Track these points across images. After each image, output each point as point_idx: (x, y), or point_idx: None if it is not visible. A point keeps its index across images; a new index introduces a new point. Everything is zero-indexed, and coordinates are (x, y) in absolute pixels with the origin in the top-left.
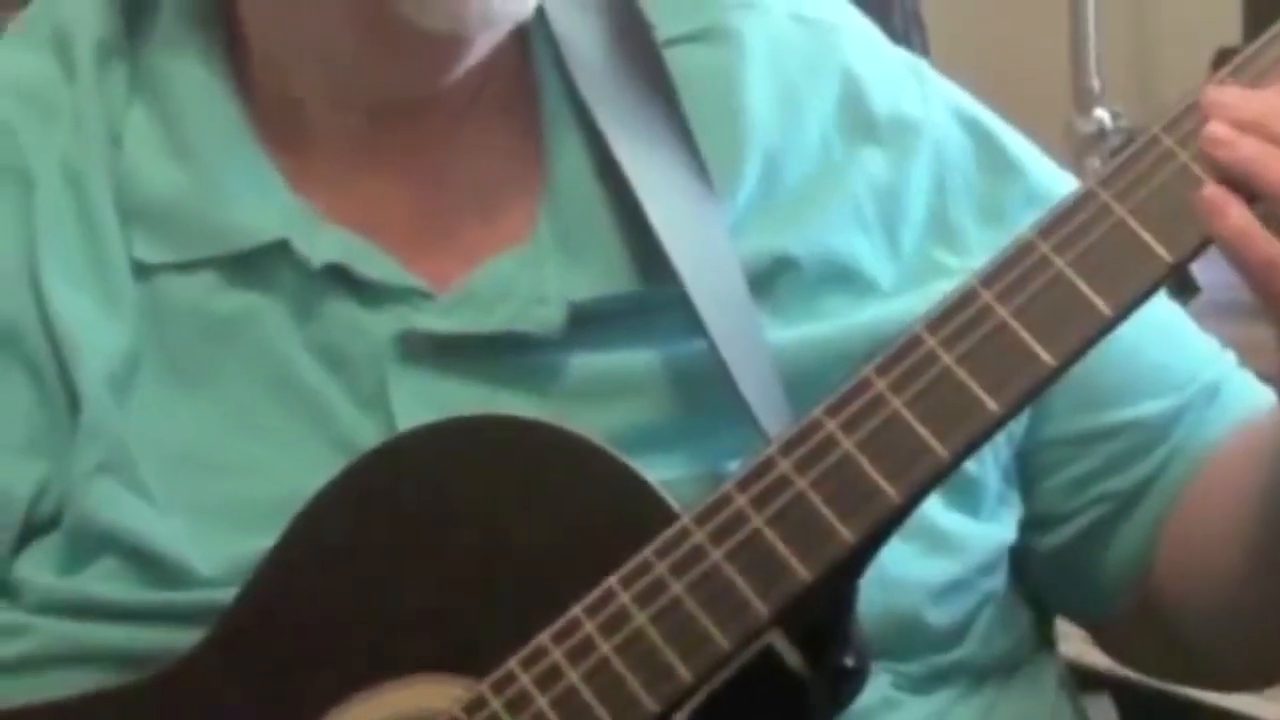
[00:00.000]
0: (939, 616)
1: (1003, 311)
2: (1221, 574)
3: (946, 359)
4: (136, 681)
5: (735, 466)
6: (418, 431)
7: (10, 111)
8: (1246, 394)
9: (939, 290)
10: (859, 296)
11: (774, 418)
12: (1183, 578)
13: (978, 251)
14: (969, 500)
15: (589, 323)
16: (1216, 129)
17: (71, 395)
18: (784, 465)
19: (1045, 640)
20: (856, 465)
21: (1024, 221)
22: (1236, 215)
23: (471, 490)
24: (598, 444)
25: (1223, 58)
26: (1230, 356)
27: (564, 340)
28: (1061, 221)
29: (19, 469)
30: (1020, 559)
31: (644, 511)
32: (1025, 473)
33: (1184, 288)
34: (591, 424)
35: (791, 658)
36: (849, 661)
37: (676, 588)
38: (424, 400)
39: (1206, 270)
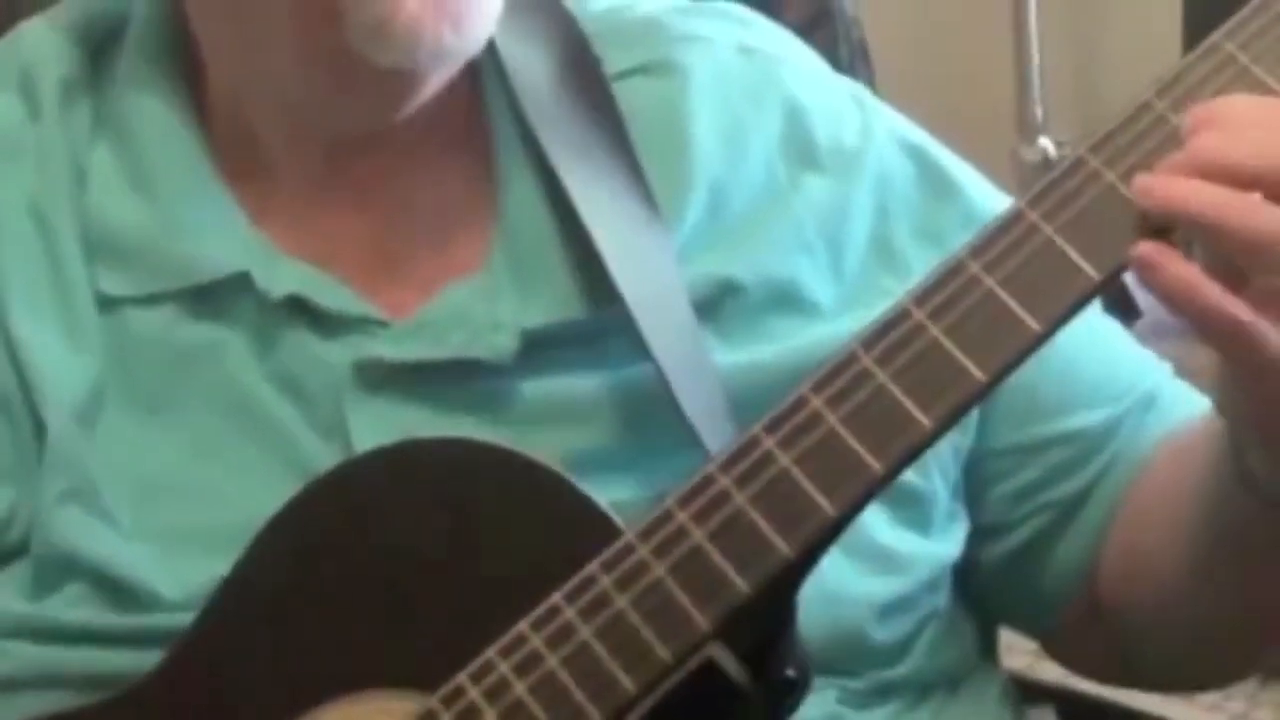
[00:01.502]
0: (884, 633)
1: (934, 330)
2: (1164, 578)
3: (880, 376)
4: (97, 703)
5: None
6: (369, 455)
7: None
8: (1182, 402)
9: (880, 312)
10: (803, 319)
11: (719, 439)
12: (1127, 582)
13: (918, 273)
14: (918, 517)
15: (540, 349)
16: (1145, 180)
17: (37, 425)
18: (724, 481)
19: (988, 654)
20: (793, 481)
21: (962, 243)
22: (1173, 270)
23: (421, 511)
24: (544, 464)
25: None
26: (1166, 367)
27: (516, 366)
28: (992, 241)
29: None
30: (964, 571)
31: (589, 529)
32: (970, 485)
33: (1126, 310)
34: (543, 447)
35: (733, 669)
36: (790, 673)
37: (620, 602)
38: (381, 427)
39: (1147, 293)
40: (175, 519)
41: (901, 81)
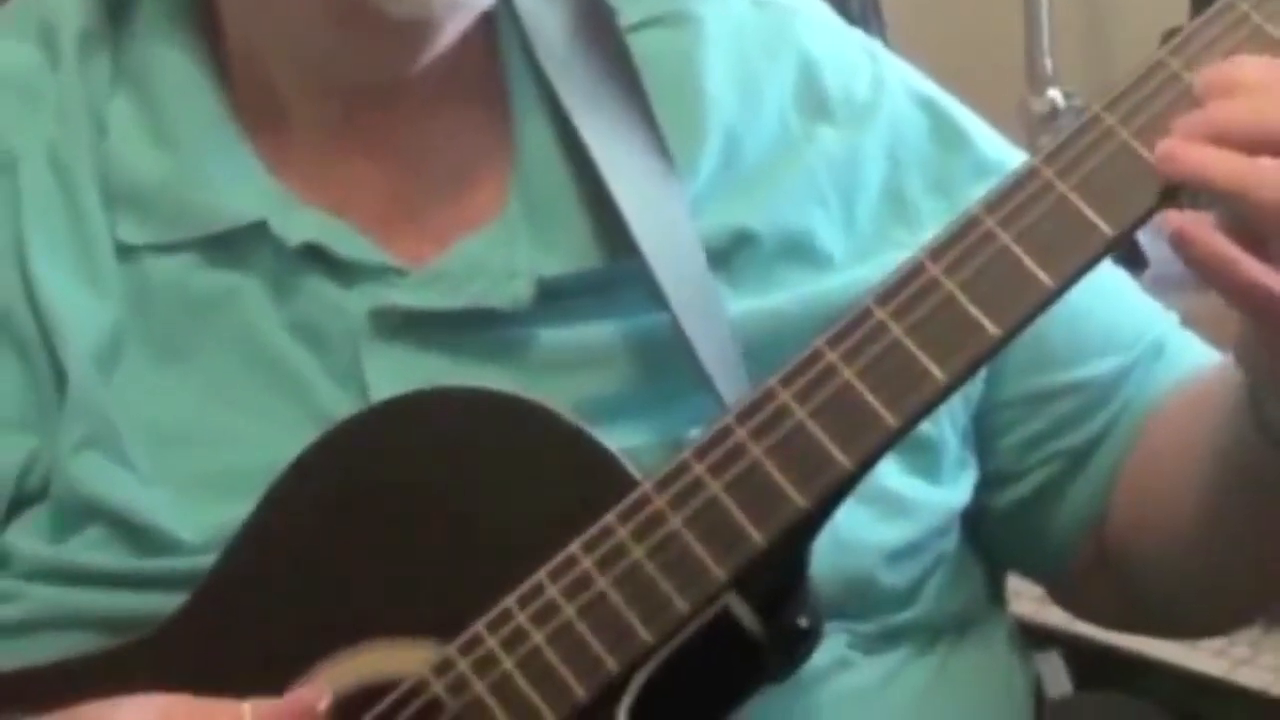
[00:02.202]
0: (893, 578)
1: (949, 284)
2: (1174, 524)
3: (896, 330)
4: (123, 645)
5: (695, 434)
6: (387, 403)
7: None
8: (1190, 351)
9: (892, 262)
10: (815, 269)
11: (732, 387)
12: (1137, 530)
13: (929, 224)
14: (928, 465)
15: (556, 297)
16: (1169, 144)
17: (58, 372)
18: (740, 433)
19: (996, 599)
20: (809, 433)
21: (973, 194)
22: (1208, 243)
23: (439, 459)
24: (563, 414)
25: (1170, 39)
26: (1173, 316)
27: (531, 315)
28: (1006, 197)
29: (7, 444)
30: (974, 518)
31: (606, 478)
32: (980, 433)
33: (1134, 261)
34: (557, 394)
35: (747, 619)
36: (803, 622)
37: (637, 552)
38: (397, 374)
39: (1156, 244)
40: (193, 464)
41: (912, 34)
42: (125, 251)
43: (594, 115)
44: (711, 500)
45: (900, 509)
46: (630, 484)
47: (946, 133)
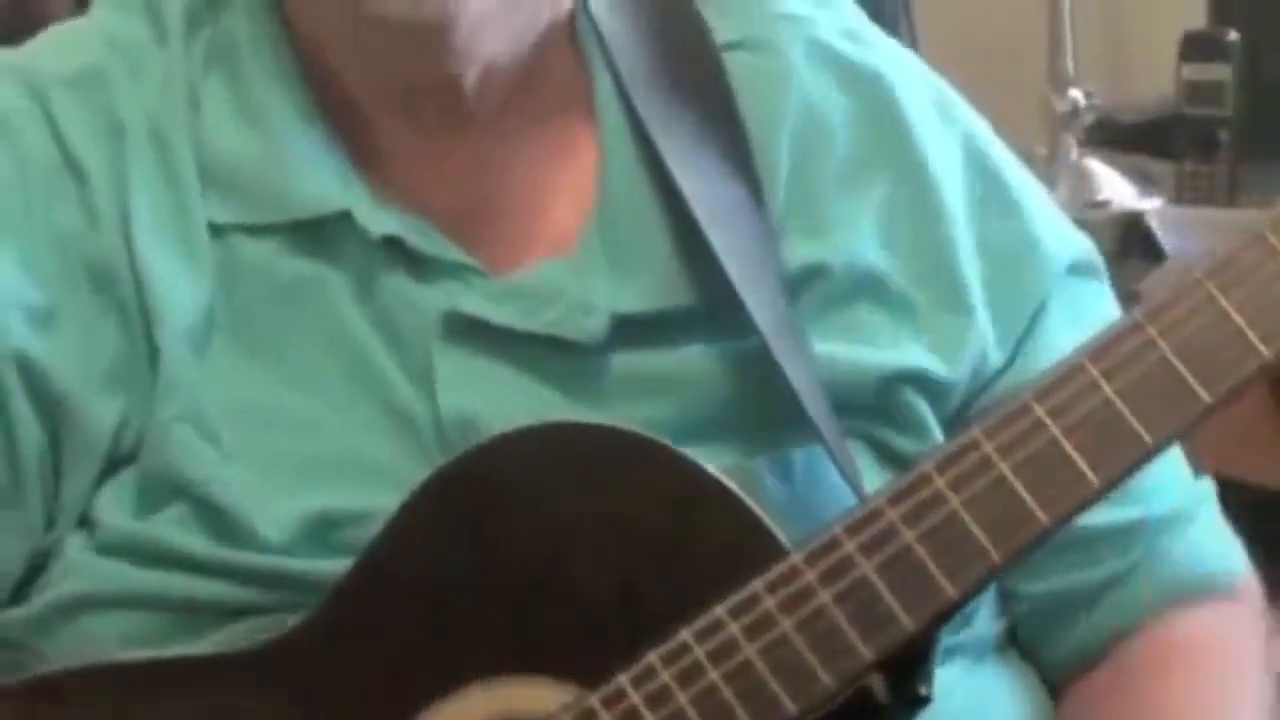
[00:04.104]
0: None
1: (1108, 390)
2: None
3: (1054, 429)
4: (218, 657)
5: (765, 462)
6: (514, 435)
7: (107, 61)
8: (1213, 538)
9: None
10: (889, 311)
11: (823, 420)
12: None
13: (974, 284)
14: None
15: (630, 328)
16: None
17: (151, 347)
18: (891, 515)
19: None
20: (962, 525)
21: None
22: None
23: (569, 499)
24: (708, 469)
25: (1188, 42)
26: (1206, 488)
27: (604, 344)
28: (1109, 349)
29: (104, 402)
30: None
31: (750, 539)
32: None
33: (1150, 254)
34: (628, 418)
35: (880, 692)
36: (924, 690)
37: (785, 624)
38: (466, 379)
39: (1173, 237)
40: (271, 447)
41: (939, 34)
42: (216, 230)
43: (681, 143)
44: (862, 580)
45: None
46: (774, 547)
47: (1000, 199)
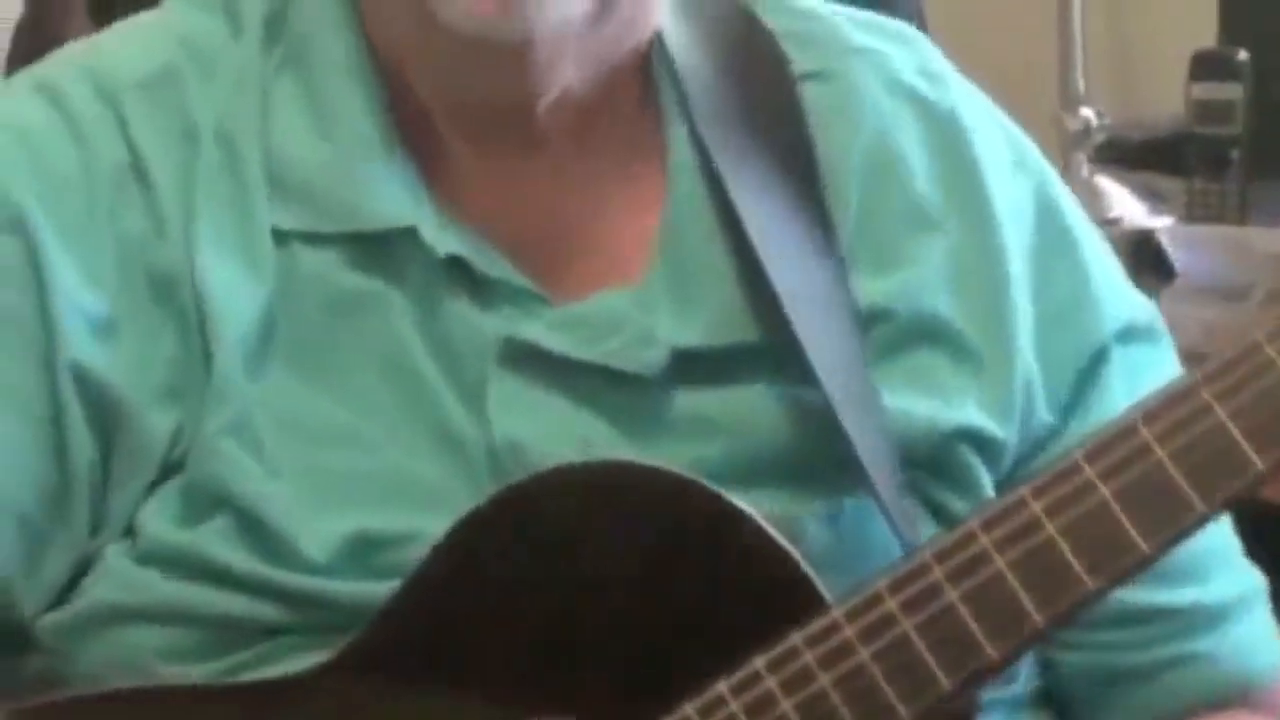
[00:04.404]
0: None
1: (1160, 452)
2: None
3: (1104, 491)
4: (247, 684)
5: (813, 510)
6: (562, 470)
7: (180, 62)
8: (1261, 638)
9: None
10: (951, 360)
11: (883, 475)
12: None
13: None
14: None
15: (690, 364)
16: None
17: (206, 356)
18: (936, 573)
19: None
20: (1007, 586)
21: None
22: None
23: (612, 540)
24: (749, 512)
25: (1198, 62)
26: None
27: (663, 378)
28: (1164, 410)
29: (159, 413)
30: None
31: (790, 589)
32: None
33: (1161, 272)
34: (678, 458)
35: None
36: None
37: (823, 680)
38: (518, 405)
39: (1183, 254)
40: (317, 461)
41: (951, 52)
42: (279, 237)
43: (750, 178)
44: (902, 639)
45: None
46: (815, 599)
47: (1061, 244)
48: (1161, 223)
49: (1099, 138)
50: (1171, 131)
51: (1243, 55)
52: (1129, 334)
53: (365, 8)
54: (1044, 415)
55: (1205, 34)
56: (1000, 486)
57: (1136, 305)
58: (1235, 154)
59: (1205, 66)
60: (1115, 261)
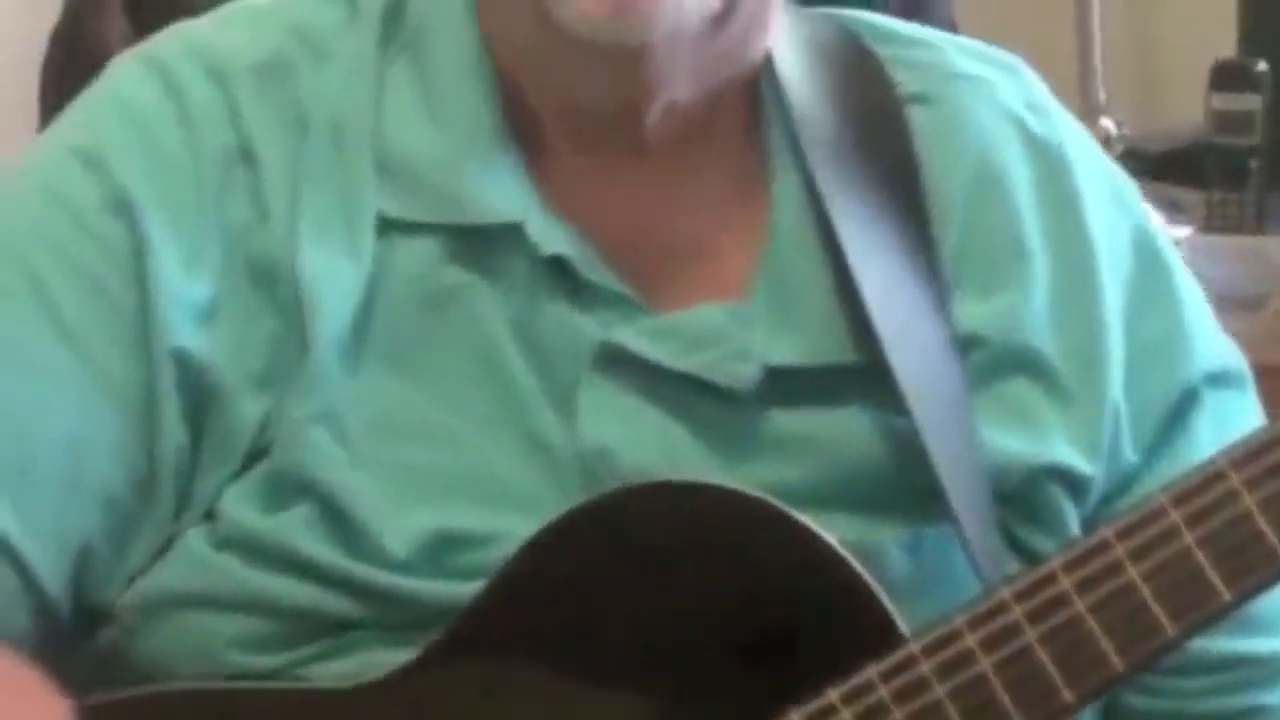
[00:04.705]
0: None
1: (1249, 500)
2: None
3: (1188, 538)
4: (355, 685)
5: (894, 538)
6: (651, 487)
7: (293, 51)
8: None
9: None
10: (1043, 392)
11: (970, 508)
12: None
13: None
14: None
15: (782, 382)
16: None
17: (302, 343)
18: (1016, 612)
19: None
20: (1086, 629)
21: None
22: None
23: (693, 561)
24: (835, 545)
25: (1218, 72)
26: None
27: (755, 395)
28: (1254, 458)
29: (250, 401)
30: None
31: (867, 621)
32: None
33: None
34: (765, 475)
35: None
36: None
37: (897, 715)
38: (608, 411)
39: (1201, 264)
40: (403, 455)
41: None
42: (383, 225)
43: (854, 200)
44: (979, 678)
45: None
46: (891, 632)
47: (1161, 288)
48: (1180, 233)
49: (1118, 148)
50: (1191, 142)
51: (1262, 66)
52: (1220, 379)
53: (482, 4)
54: (1129, 454)
55: (1225, 45)
56: (1085, 524)
57: (1228, 351)
58: (1254, 164)
59: (1224, 77)
60: (1208, 305)
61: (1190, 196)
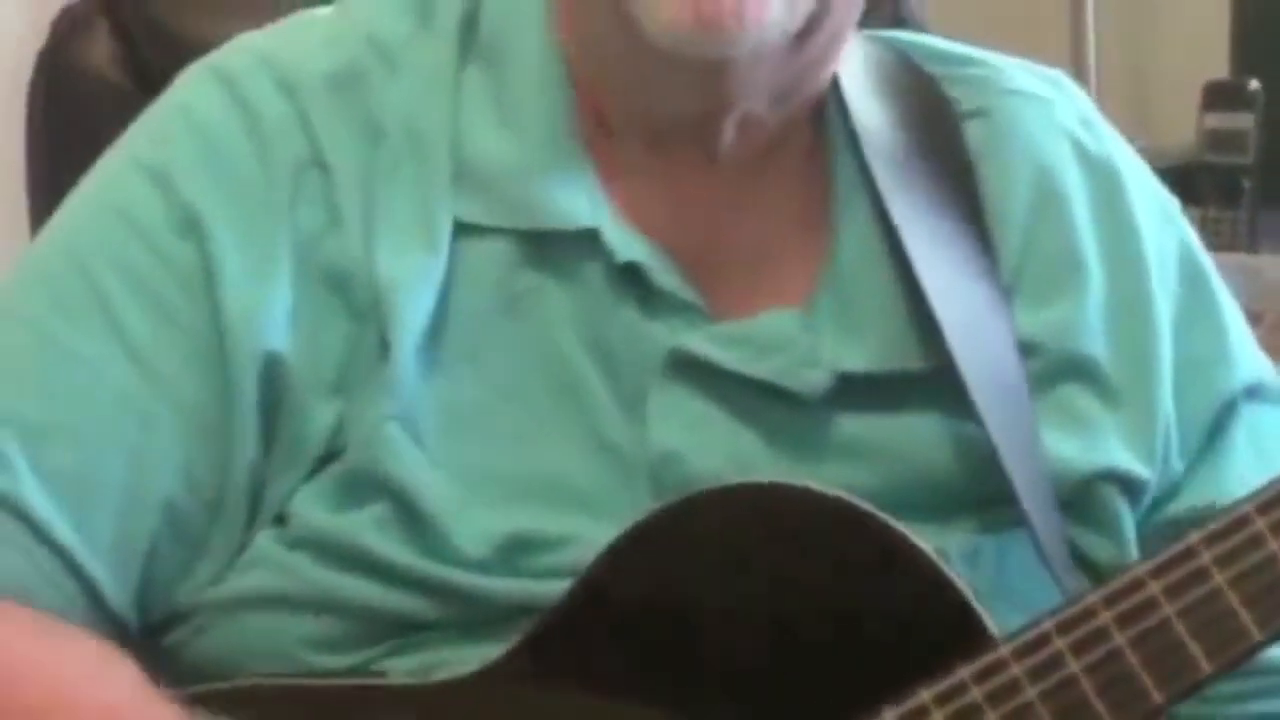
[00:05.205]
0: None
1: (1275, 545)
2: None
3: (1219, 579)
4: (454, 680)
5: (959, 543)
6: (738, 488)
7: (365, 61)
8: None
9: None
10: (1099, 398)
11: (1039, 509)
12: None
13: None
14: None
15: (852, 389)
16: None
17: (382, 343)
18: (1105, 616)
19: None
20: (1174, 633)
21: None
22: None
23: (782, 562)
24: (924, 549)
25: (1211, 91)
26: None
27: (825, 401)
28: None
29: (323, 406)
30: None
31: (957, 625)
32: None
33: None
34: (836, 481)
35: None
36: None
37: (990, 717)
38: (678, 417)
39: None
40: (476, 456)
41: None
42: (458, 230)
43: (916, 212)
44: (1070, 680)
45: None
46: (980, 633)
47: (1206, 310)
48: None
49: None
50: (1184, 160)
51: (1254, 85)
52: (1257, 392)
53: (561, 13)
54: (1176, 462)
55: (1217, 64)
56: (1139, 528)
57: (1265, 366)
58: (1246, 183)
59: (1217, 96)
60: (1245, 322)
61: (1183, 214)
